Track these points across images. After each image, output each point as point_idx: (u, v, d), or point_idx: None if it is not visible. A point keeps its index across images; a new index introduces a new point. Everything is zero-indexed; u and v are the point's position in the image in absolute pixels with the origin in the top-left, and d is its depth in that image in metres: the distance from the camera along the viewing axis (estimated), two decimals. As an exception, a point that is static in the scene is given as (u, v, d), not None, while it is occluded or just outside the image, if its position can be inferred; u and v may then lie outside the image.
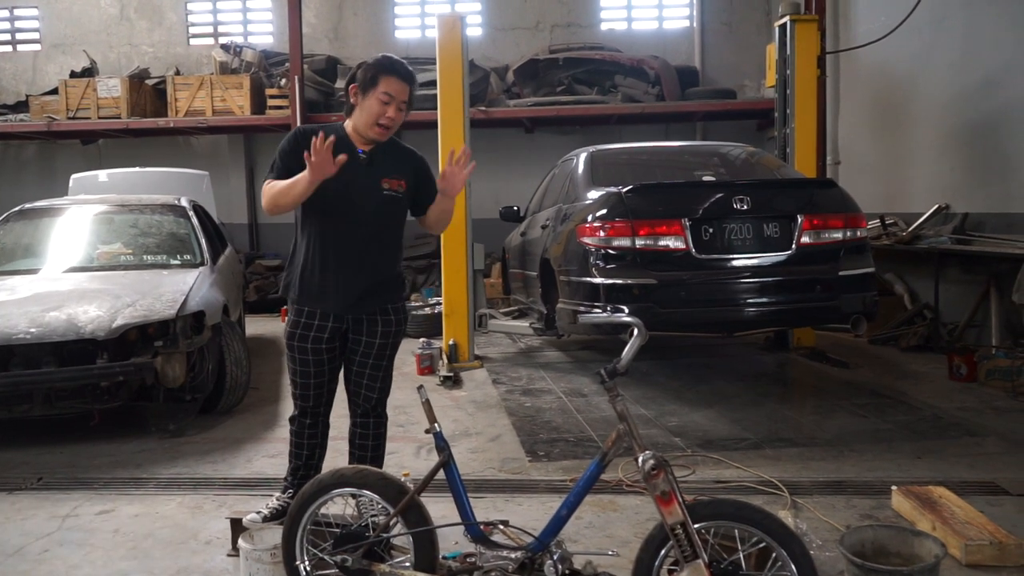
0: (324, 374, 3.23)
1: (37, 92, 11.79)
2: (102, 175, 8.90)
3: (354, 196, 3.04)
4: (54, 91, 11.27)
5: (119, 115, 10.81)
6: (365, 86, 3.01)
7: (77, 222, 6.34)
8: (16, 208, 6.48)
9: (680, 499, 2.24)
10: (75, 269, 5.70)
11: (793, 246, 4.91)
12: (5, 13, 12.68)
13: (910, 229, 7.66)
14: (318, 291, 3.11)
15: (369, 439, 3.33)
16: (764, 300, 4.93)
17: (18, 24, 12.73)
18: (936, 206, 7.56)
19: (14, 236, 6.20)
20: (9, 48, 12.74)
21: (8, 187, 12.18)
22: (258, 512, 3.21)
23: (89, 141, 12.21)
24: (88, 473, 4.29)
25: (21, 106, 11.79)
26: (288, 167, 3.01)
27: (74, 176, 8.97)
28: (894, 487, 3.61)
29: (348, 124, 3.13)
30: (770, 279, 4.91)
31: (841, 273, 4.93)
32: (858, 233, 5.06)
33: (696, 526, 2.25)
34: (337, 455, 4.44)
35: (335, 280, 3.09)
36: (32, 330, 4.54)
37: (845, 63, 9.38)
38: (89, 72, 11.58)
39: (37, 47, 12.63)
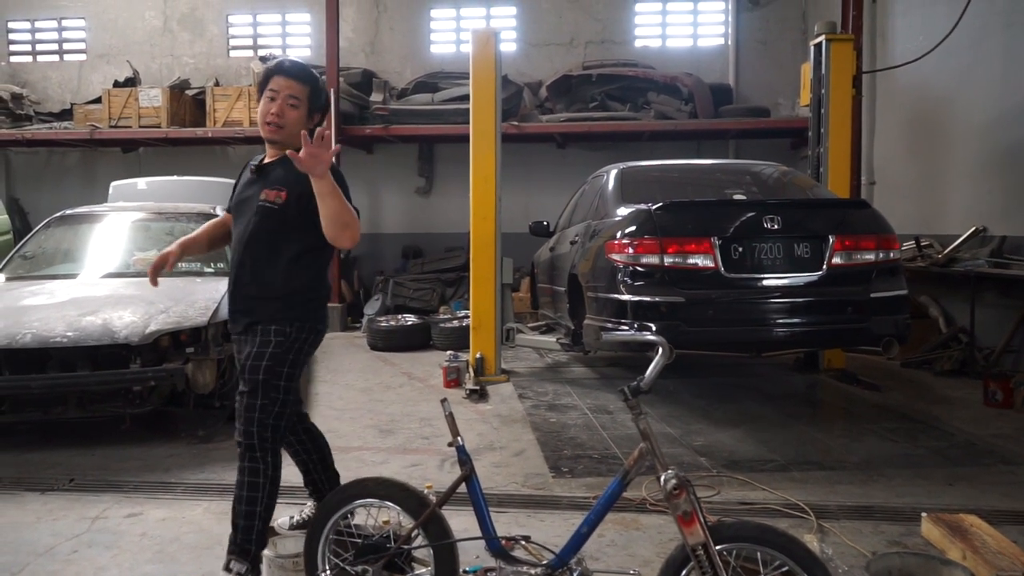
0: None
1: (81, 101, 12.08)
2: (141, 183, 9.09)
3: (240, 209, 2.99)
4: (97, 100, 11.53)
5: (159, 124, 11.03)
6: (260, 91, 2.92)
7: (115, 229, 6.49)
8: (57, 214, 6.64)
9: (702, 520, 2.23)
10: (112, 275, 5.83)
11: (824, 267, 4.86)
12: (54, 24, 13.03)
13: (946, 251, 7.54)
14: None
15: (244, 489, 2.79)
16: (793, 320, 4.88)
17: (65, 35, 13.06)
18: (973, 228, 7.45)
19: (54, 241, 6.36)
20: (56, 58, 13.08)
21: (50, 193, 12.49)
22: (290, 517, 3.26)
23: (129, 149, 12.47)
24: (118, 476, 4.36)
25: (65, 114, 12.10)
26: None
27: (114, 183, 9.16)
28: (924, 514, 3.54)
29: None
30: (800, 299, 4.86)
31: (873, 295, 4.86)
32: (891, 255, 5.00)
33: (718, 548, 2.22)
34: (361, 465, 4.47)
35: (228, 292, 3.02)
36: (69, 334, 4.65)
37: (881, 83, 9.29)
38: (132, 82, 11.84)
39: (83, 57, 12.95)
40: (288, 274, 2.85)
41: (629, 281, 4.90)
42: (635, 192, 5.69)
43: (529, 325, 8.60)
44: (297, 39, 12.81)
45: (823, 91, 7.07)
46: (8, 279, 5.84)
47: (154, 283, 3.05)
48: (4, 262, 6.15)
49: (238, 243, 2.94)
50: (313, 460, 3.29)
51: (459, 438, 2.71)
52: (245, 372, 2.81)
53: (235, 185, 3.11)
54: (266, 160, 2.99)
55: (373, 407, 6.01)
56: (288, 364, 2.81)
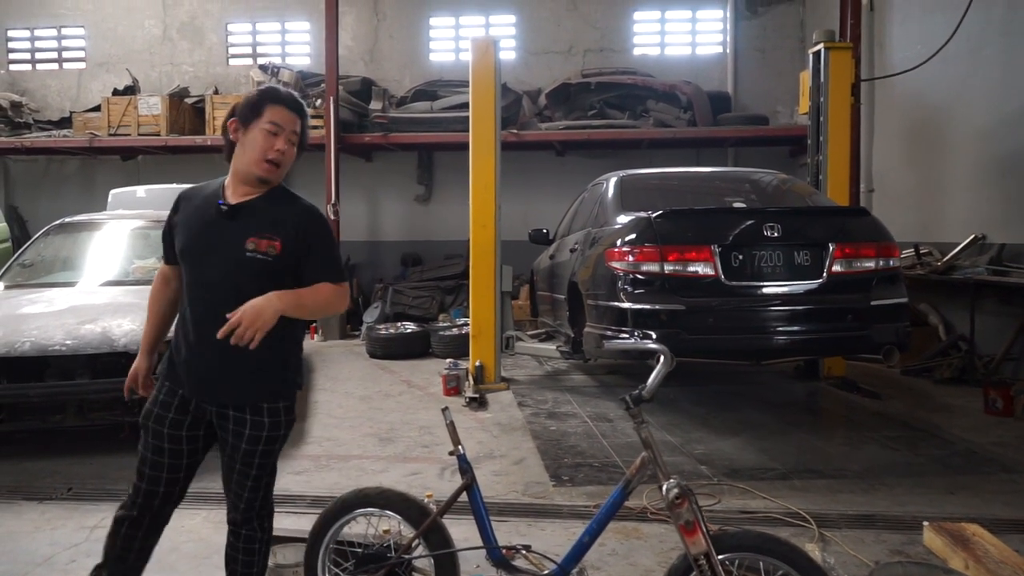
0: (171, 468, 2.63)
1: (80, 109, 12.10)
2: (140, 191, 9.10)
3: (209, 256, 2.46)
4: (96, 108, 11.54)
5: (158, 132, 11.04)
6: (247, 118, 2.47)
7: (114, 237, 6.49)
8: (56, 222, 6.64)
9: (704, 529, 2.22)
10: (111, 283, 5.82)
11: (824, 274, 4.86)
12: (53, 32, 13.06)
13: (945, 259, 7.55)
14: (177, 367, 2.57)
15: (240, 552, 2.61)
16: (794, 328, 4.87)
17: (65, 43, 13.09)
18: (972, 236, 7.45)
19: (53, 249, 6.35)
20: (55, 66, 13.11)
21: (49, 201, 12.49)
22: None
23: (128, 157, 12.48)
24: (117, 485, 4.33)
25: (65, 122, 12.11)
26: (168, 239, 2.63)
27: (113, 191, 9.17)
28: (926, 523, 3.53)
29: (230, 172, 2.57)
30: (800, 307, 4.86)
31: (873, 303, 4.86)
32: (891, 262, 5.00)
33: (720, 557, 2.21)
34: (361, 473, 4.46)
35: (187, 357, 2.51)
36: (68, 342, 4.64)
37: (880, 90, 9.31)
38: (131, 90, 11.86)
39: (82, 65, 12.97)
40: (280, 341, 2.45)
41: (629, 289, 4.90)
42: (635, 200, 5.69)
43: (529, 333, 8.60)
44: (296, 47, 12.84)
45: (822, 99, 7.09)
46: (7, 287, 5.83)
47: (145, 393, 2.74)
48: (3, 270, 6.14)
49: (210, 293, 2.44)
50: (141, 554, 2.82)
51: (460, 447, 2.70)
52: (252, 456, 2.49)
53: (170, 220, 2.58)
54: (240, 197, 2.49)
55: (373, 415, 5.99)
56: (279, 441, 2.54)
